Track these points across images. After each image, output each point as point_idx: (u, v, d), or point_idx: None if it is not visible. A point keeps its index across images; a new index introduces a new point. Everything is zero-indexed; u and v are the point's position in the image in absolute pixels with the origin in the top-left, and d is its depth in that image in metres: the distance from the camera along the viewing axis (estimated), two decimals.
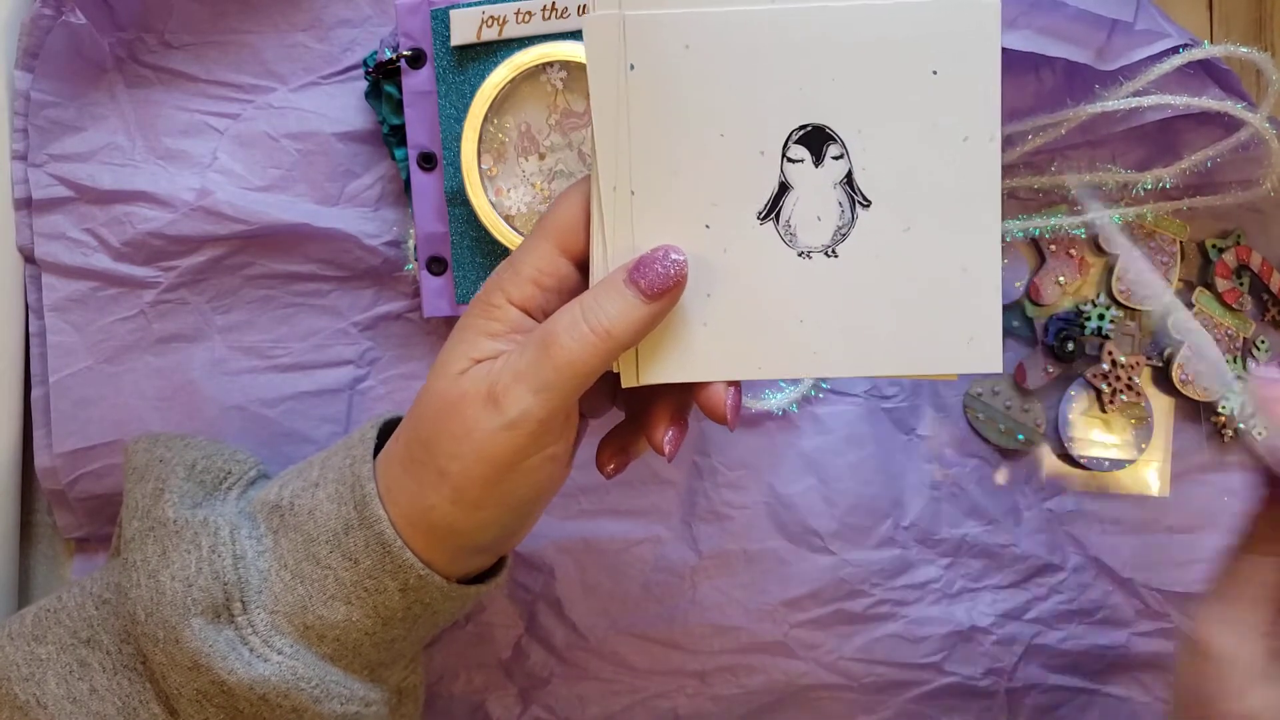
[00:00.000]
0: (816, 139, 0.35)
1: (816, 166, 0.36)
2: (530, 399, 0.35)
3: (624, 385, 0.37)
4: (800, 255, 0.36)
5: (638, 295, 0.35)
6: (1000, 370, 0.36)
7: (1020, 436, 0.52)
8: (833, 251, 0.36)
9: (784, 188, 0.36)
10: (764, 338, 0.36)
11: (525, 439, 0.35)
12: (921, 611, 0.52)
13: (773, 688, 0.51)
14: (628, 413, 0.41)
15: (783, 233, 0.36)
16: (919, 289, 0.36)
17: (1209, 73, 0.48)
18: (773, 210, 0.36)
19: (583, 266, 0.37)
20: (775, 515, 0.51)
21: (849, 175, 0.35)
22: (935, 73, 0.35)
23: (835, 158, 0.35)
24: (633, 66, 0.35)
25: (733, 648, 0.51)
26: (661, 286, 0.35)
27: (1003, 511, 0.52)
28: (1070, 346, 0.52)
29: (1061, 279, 0.53)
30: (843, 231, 0.36)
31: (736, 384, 0.37)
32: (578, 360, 0.35)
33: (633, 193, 0.36)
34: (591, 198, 0.36)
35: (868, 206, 0.36)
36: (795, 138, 0.35)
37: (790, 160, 0.36)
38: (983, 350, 0.36)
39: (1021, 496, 0.52)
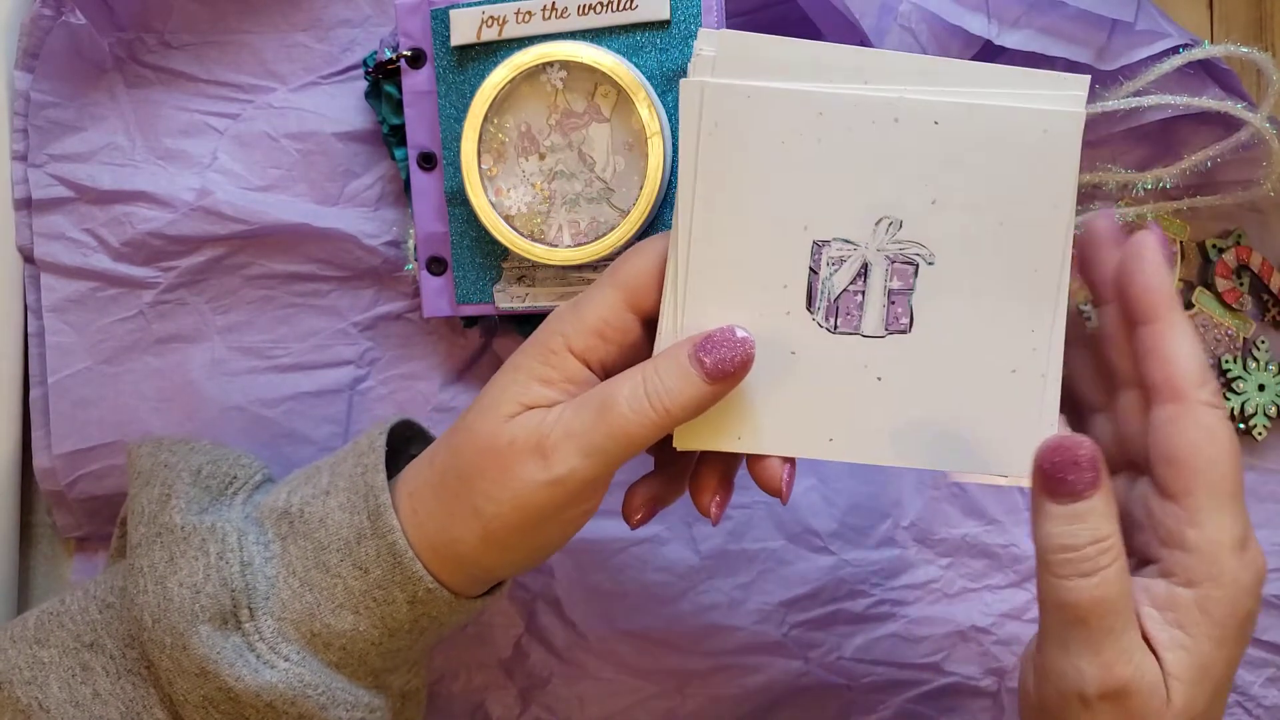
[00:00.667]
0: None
1: None
2: (579, 460, 0.35)
3: (678, 448, 0.37)
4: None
5: (701, 375, 0.34)
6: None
7: None
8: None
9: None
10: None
11: (567, 496, 0.36)
12: (921, 611, 0.52)
13: (772, 688, 0.51)
14: (658, 461, 0.41)
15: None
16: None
17: (1209, 73, 0.48)
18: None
19: (648, 324, 0.37)
20: (775, 515, 0.51)
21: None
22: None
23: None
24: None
25: (733, 648, 0.51)
26: (726, 369, 0.35)
27: (1003, 511, 0.52)
28: None
29: None
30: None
31: (792, 459, 0.37)
32: (634, 432, 0.35)
33: (708, 261, 0.36)
34: (669, 263, 0.36)
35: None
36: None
37: None
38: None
39: (1022, 496, 0.52)
